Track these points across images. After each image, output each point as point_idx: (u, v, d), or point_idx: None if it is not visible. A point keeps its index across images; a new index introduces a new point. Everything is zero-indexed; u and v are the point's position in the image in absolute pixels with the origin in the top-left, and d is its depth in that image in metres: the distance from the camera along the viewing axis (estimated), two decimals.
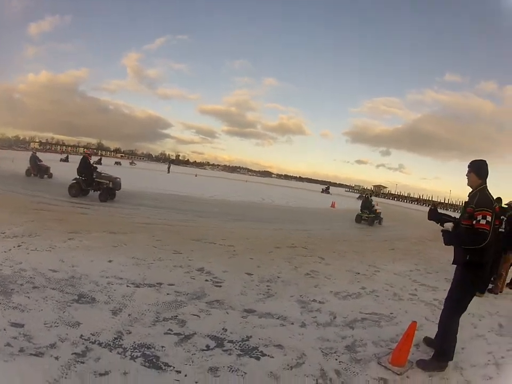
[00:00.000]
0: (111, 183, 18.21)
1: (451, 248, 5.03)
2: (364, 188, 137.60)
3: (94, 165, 18.58)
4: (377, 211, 24.21)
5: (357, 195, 77.00)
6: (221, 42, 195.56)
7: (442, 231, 4.92)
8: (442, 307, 5.32)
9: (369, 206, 23.96)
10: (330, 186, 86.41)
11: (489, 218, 4.58)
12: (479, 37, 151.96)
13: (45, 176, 25.72)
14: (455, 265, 5.08)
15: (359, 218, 23.63)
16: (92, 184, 18.19)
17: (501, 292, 9.61)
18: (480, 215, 4.59)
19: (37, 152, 26.85)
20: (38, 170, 25.90)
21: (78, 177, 18.02)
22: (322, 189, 78.38)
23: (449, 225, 4.94)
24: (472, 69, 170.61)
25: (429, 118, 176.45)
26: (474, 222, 4.63)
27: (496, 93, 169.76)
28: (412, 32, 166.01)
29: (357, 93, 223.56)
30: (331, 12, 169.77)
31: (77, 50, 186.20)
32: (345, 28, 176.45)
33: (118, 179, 18.67)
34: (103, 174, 18.47)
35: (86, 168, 18.00)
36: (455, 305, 4.98)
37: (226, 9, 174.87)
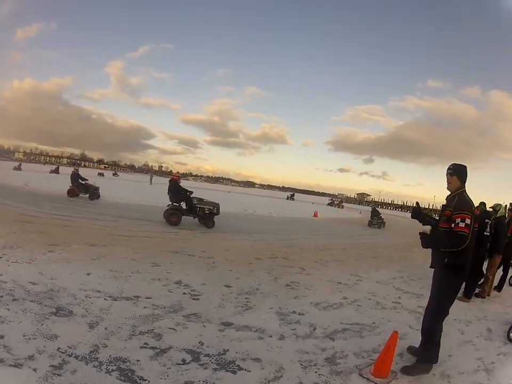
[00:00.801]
0: (215, 208, 18.04)
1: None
2: (347, 196, 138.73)
3: (189, 190, 18.02)
4: (383, 218, 32.60)
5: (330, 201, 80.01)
6: (204, 51, 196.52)
7: (420, 233, 4.94)
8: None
9: (377, 214, 32.48)
10: (295, 193, 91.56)
11: (468, 221, 4.64)
12: (463, 43, 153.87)
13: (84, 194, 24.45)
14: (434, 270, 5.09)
15: (370, 223, 31.63)
16: (194, 211, 17.73)
17: (488, 296, 9.68)
18: (459, 218, 4.66)
19: (78, 170, 25.53)
20: (85, 190, 24.49)
21: (174, 204, 17.52)
22: (288, 196, 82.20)
23: (427, 228, 4.94)
24: (456, 75, 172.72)
25: (411, 124, 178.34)
26: (453, 225, 4.68)
27: (480, 98, 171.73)
28: (394, 40, 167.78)
29: (340, 101, 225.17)
30: (314, 22, 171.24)
31: (62, 57, 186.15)
32: (328, 37, 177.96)
33: (218, 204, 18.41)
34: (205, 200, 18.30)
35: (181, 193, 17.68)
36: (436, 309, 5.01)
37: (209, 18, 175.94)
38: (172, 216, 16.92)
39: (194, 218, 17.96)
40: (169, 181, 18.15)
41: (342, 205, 79.16)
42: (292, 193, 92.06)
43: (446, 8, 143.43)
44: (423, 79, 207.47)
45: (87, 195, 24.17)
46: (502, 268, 10.87)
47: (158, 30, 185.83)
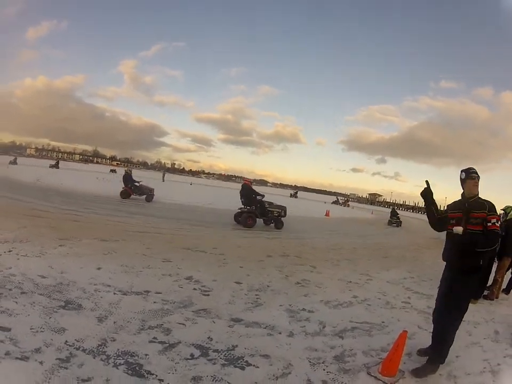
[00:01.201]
0: (282, 211, 19.57)
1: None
2: (359, 196, 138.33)
3: (260, 193, 19.35)
4: (400, 218, 37.04)
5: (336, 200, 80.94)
6: (217, 49, 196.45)
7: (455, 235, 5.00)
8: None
9: (396, 214, 37.36)
10: (298, 191, 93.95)
11: (498, 222, 4.97)
12: (476, 43, 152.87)
13: (135, 196, 24.74)
14: (452, 271, 5.12)
15: (390, 223, 36.01)
16: (266, 214, 19.28)
17: (496, 298, 9.61)
18: (494, 219, 4.90)
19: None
20: (139, 191, 24.74)
21: (247, 207, 18.92)
22: (291, 194, 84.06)
23: (460, 229, 4.93)
24: (469, 75, 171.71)
25: (424, 125, 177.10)
26: (489, 224, 4.87)
27: (492, 99, 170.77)
28: (407, 39, 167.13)
29: (353, 101, 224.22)
30: (327, 20, 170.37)
31: (74, 56, 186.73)
32: (341, 36, 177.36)
33: (286, 207, 20.07)
34: (274, 204, 19.82)
35: (255, 198, 18.95)
36: (460, 311, 5.04)
37: (222, 16, 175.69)
38: (248, 219, 18.23)
39: (264, 220, 19.59)
40: (242, 185, 19.54)
41: (348, 204, 79.86)
42: (295, 191, 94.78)
43: (459, 8, 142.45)
44: (436, 79, 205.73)
45: (141, 196, 24.58)
46: (511, 270, 10.83)
47: (170, 28, 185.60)
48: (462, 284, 4.99)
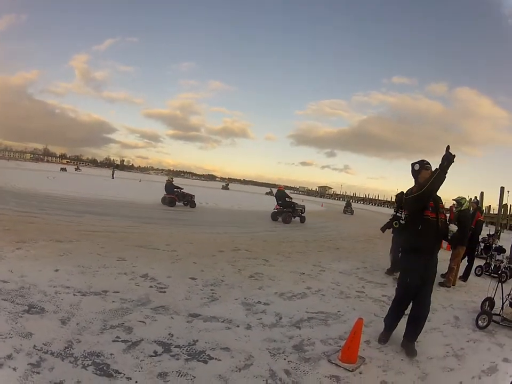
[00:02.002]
0: (304, 209, 25.29)
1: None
2: (309, 189, 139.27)
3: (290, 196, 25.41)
4: (352, 208, 45.83)
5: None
6: (169, 44, 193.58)
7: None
8: (390, 302, 5.64)
9: (350, 205, 47.25)
10: (229, 183, 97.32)
11: None
12: (430, 39, 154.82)
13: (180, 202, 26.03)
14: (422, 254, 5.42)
15: (345, 211, 44.55)
16: (296, 212, 24.74)
17: (453, 285, 9.94)
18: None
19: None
20: (182, 198, 26.59)
21: (282, 208, 24.04)
22: (222, 186, 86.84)
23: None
24: (422, 71, 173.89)
25: (375, 119, 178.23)
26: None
27: (446, 95, 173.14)
28: (360, 34, 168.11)
29: (303, 95, 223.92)
30: (278, 15, 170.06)
31: (29, 50, 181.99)
32: (292, 30, 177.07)
33: (305, 206, 26.31)
34: (298, 204, 25.60)
35: (290, 201, 24.69)
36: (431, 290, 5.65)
37: (175, 11, 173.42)
38: (288, 217, 23.46)
39: (294, 217, 24.34)
40: (277, 190, 25.91)
41: (228, 187, 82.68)
42: (226, 183, 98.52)
43: (411, 3, 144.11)
44: (388, 75, 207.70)
45: (180, 202, 26.48)
46: (467, 258, 11.22)
47: (123, 22, 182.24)
48: (435, 266, 5.53)
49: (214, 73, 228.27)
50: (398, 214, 10.29)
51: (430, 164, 5.49)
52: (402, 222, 9.81)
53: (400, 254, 6.12)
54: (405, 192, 5.81)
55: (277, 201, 24.14)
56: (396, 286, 5.89)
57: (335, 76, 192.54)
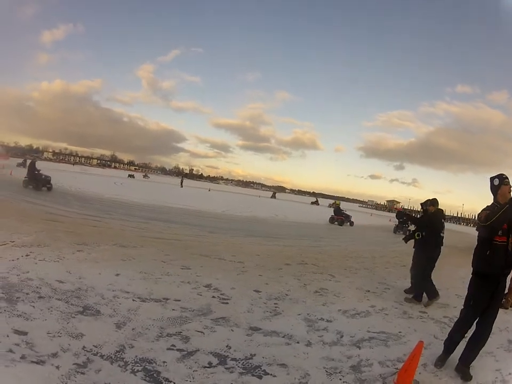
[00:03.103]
0: (352, 217, 31.77)
1: (461, 263, 5.10)
2: (377, 203, 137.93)
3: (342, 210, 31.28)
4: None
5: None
6: (234, 54, 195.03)
7: None
8: (451, 324, 5.44)
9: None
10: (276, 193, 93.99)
11: None
12: (491, 46, 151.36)
13: None
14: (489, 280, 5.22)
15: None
16: (347, 219, 31.70)
17: (511, 307, 9.51)
18: None
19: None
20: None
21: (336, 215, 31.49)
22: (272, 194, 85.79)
23: None
24: (484, 79, 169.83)
25: (441, 130, 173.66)
26: None
27: (507, 103, 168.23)
28: (422, 44, 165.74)
29: (370, 106, 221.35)
30: (343, 26, 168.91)
31: (91, 60, 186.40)
32: (357, 41, 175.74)
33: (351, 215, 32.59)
34: (346, 211, 32.76)
35: (342, 212, 31.59)
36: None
37: (239, 22, 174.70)
38: (343, 223, 30.31)
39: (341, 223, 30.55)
40: (333, 204, 31.70)
41: (317, 203, 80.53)
42: (274, 191, 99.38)
43: (473, 11, 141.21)
44: (453, 84, 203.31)
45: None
46: None
47: (187, 33, 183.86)
48: (503, 291, 5.35)
49: (280, 83, 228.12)
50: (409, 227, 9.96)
51: (508, 179, 5.19)
52: (423, 234, 9.30)
53: (471, 278, 5.63)
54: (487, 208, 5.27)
55: (334, 213, 32.12)
56: (462, 308, 5.63)
57: (402, 86, 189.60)
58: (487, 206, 5.23)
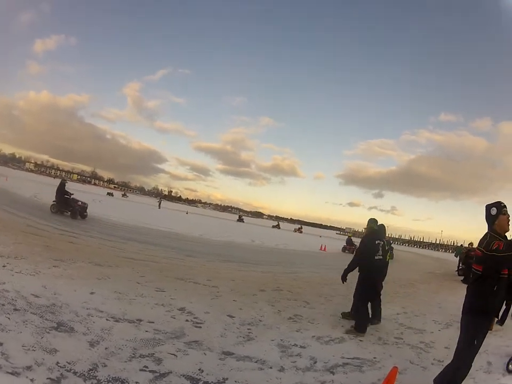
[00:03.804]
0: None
1: (438, 290, 5.10)
2: (355, 230, 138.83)
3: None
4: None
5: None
6: (221, 78, 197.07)
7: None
8: (428, 349, 5.43)
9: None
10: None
11: None
12: (474, 75, 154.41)
13: None
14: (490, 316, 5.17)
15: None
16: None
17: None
18: None
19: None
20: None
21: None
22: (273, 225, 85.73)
23: None
24: (467, 107, 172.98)
25: (422, 158, 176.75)
26: None
27: (490, 130, 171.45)
28: (406, 73, 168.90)
29: (352, 135, 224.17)
30: (328, 54, 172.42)
31: (80, 74, 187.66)
32: (341, 69, 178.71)
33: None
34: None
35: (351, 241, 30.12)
36: None
37: (229, 46, 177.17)
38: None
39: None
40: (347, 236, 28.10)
41: (301, 230, 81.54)
42: (240, 214, 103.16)
43: (457, 41, 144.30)
44: (436, 112, 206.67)
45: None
46: (505, 302, 10.83)
47: (176, 54, 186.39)
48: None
49: (264, 109, 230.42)
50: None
51: (506, 207, 4.89)
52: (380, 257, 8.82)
53: (466, 316, 5.16)
54: (480, 243, 4.95)
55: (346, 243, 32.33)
56: (456, 351, 5.18)
57: (385, 114, 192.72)
58: (488, 236, 4.88)
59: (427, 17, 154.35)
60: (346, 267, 8.74)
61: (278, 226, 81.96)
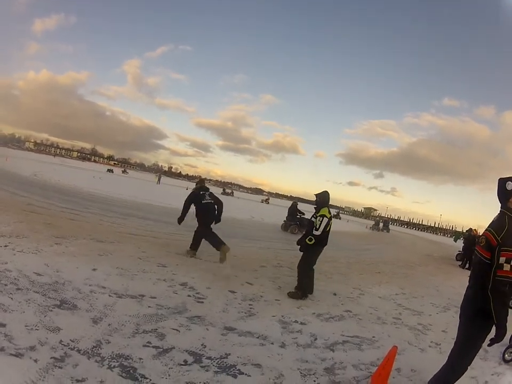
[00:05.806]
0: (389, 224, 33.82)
1: (435, 272, 5.06)
2: (355, 210, 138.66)
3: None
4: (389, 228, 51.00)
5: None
6: (223, 56, 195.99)
7: None
8: (425, 331, 5.40)
9: (387, 224, 49.45)
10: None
11: None
12: (481, 61, 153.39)
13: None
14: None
15: (379, 229, 47.65)
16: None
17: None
18: None
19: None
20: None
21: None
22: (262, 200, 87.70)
23: None
24: (472, 94, 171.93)
25: (424, 142, 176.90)
26: None
27: (493, 119, 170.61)
28: (412, 56, 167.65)
29: (354, 114, 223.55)
30: (331, 34, 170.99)
31: (79, 52, 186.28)
32: (345, 49, 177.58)
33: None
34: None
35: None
36: None
37: (230, 24, 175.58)
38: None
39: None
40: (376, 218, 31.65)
41: (268, 201, 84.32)
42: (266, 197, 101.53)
43: (466, 27, 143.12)
44: (439, 97, 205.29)
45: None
46: None
47: (177, 31, 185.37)
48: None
49: (266, 86, 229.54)
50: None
51: None
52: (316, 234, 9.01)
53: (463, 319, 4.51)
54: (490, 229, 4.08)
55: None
56: (452, 352, 4.56)
57: (388, 95, 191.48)
58: (506, 217, 4.04)
59: (434, 1, 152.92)
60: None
61: (266, 201, 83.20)
